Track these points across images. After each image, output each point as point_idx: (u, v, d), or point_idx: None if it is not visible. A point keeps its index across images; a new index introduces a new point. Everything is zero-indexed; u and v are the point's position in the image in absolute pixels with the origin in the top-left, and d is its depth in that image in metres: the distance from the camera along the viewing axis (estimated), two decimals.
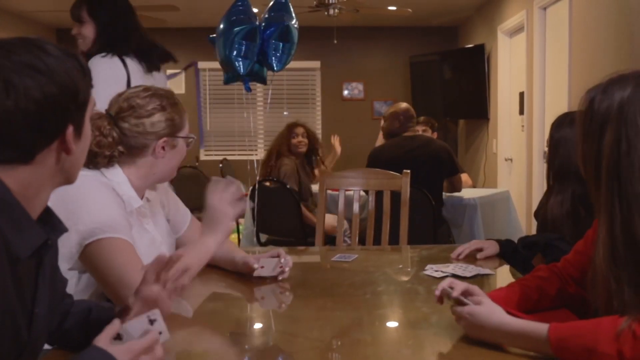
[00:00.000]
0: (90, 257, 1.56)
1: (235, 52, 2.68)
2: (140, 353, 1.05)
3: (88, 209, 1.56)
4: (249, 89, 2.87)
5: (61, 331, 1.30)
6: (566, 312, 1.51)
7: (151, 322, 1.22)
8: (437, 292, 1.38)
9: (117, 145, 1.66)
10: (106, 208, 1.59)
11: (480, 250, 2.16)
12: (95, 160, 1.64)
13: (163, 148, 1.71)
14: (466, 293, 1.34)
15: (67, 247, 1.54)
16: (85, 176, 1.50)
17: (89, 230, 1.54)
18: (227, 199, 1.65)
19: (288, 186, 4.20)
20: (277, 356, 1.33)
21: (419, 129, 5.31)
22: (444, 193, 4.12)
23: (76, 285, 1.62)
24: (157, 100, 1.69)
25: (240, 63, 2.71)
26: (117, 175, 1.69)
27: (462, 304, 1.32)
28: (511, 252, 2.14)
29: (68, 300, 1.34)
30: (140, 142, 1.68)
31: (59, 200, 1.52)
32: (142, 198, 1.76)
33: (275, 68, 2.82)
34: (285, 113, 7.97)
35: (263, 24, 2.80)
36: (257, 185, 3.00)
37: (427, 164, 3.91)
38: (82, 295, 1.62)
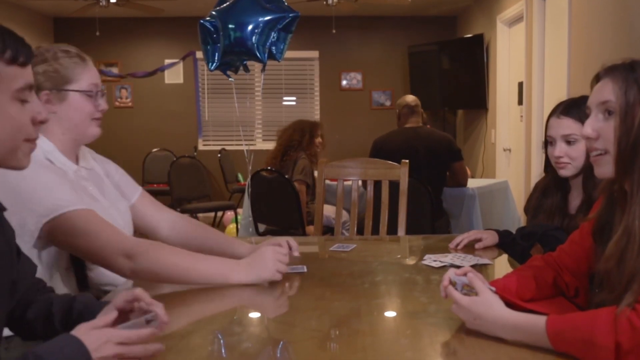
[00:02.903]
0: (59, 233, 1.56)
1: (261, 41, 2.65)
2: (113, 342, 1.04)
3: (41, 191, 1.55)
4: (229, 76, 2.86)
5: (24, 320, 1.30)
6: (563, 300, 1.51)
7: (148, 322, 1.19)
8: (443, 290, 1.38)
9: None
10: (58, 186, 1.59)
11: (478, 240, 2.15)
12: None
13: (48, 102, 1.67)
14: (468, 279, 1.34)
15: (26, 229, 1.54)
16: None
17: (46, 208, 1.54)
18: (277, 255, 1.69)
19: (286, 176, 4.20)
20: (274, 346, 1.33)
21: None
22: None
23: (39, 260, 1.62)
24: (39, 56, 1.66)
25: (265, 52, 2.68)
26: (45, 143, 1.68)
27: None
28: (510, 242, 2.14)
29: (36, 287, 1.34)
30: None
31: (9, 190, 1.50)
32: (76, 163, 1.77)
33: (277, 58, 2.80)
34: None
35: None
36: (249, 176, 3.00)
37: (429, 155, 3.92)
38: (46, 270, 1.62)
